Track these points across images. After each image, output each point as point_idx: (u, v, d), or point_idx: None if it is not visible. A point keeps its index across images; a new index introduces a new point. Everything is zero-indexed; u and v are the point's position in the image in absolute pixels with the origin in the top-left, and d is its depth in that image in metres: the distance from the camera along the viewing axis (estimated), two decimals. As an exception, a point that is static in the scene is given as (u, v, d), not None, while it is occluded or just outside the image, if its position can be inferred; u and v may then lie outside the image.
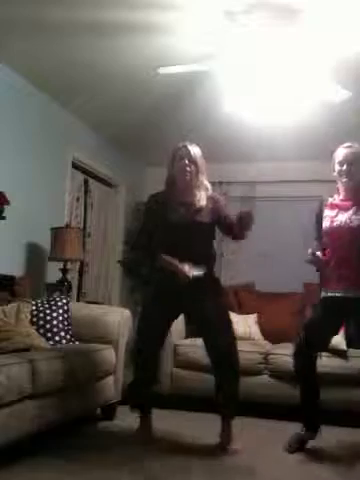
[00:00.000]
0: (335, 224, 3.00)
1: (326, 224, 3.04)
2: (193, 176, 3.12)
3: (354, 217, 2.96)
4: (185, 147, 3.14)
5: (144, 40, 3.49)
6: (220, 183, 5.85)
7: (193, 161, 3.11)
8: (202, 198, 3.14)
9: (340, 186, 3.09)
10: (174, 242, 3.04)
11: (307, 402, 3.03)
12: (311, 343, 3.01)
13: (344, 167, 3.00)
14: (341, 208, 3.03)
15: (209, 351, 3.09)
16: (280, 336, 4.37)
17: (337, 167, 3.04)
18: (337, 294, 2.97)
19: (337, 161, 3.04)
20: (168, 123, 4.86)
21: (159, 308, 3.12)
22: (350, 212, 2.99)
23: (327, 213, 3.07)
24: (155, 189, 6.23)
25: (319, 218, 3.10)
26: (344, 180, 3.03)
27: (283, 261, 5.52)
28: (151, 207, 3.25)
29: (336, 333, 3.22)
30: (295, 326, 4.38)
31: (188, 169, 3.10)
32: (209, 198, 3.17)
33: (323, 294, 3.05)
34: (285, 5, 2.99)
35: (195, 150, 3.15)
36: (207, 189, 3.19)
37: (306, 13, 3.05)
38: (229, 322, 3.12)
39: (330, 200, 3.11)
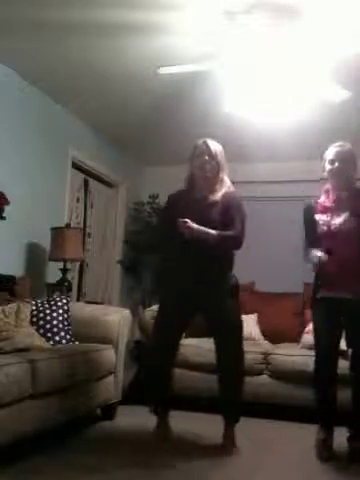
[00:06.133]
0: (333, 228, 2.89)
1: (323, 228, 2.91)
2: (213, 173, 3.01)
3: (353, 219, 2.87)
4: (205, 143, 3.03)
5: (144, 40, 3.49)
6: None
7: (213, 157, 3.00)
8: (218, 194, 3.01)
9: (330, 186, 3.00)
10: (187, 240, 2.88)
11: (326, 406, 2.98)
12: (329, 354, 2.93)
13: (335, 165, 2.94)
14: (334, 210, 2.93)
15: (218, 352, 3.02)
16: (280, 336, 4.38)
17: (328, 166, 2.98)
18: (340, 296, 2.87)
19: (328, 160, 2.98)
20: (168, 123, 4.86)
21: (174, 307, 3.03)
22: (347, 214, 2.90)
23: (320, 218, 2.95)
24: (155, 189, 6.19)
25: (310, 221, 2.98)
26: (335, 179, 2.96)
27: (283, 261, 5.52)
28: (168, 207, 3.15)
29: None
30: (295, 326, 4.40)
31: (208, 166, 2.99)
32: (224, 194, 3.02)
33: (322, 295, 2.95)
34: (285, 5, 2.99)
35: (215, 146, 3.04)
36: (228, 187, 3.06)
37: (306, 13, 3.05)
38: (240, 325, 3.05)
39: (319, 201, 3.01)
